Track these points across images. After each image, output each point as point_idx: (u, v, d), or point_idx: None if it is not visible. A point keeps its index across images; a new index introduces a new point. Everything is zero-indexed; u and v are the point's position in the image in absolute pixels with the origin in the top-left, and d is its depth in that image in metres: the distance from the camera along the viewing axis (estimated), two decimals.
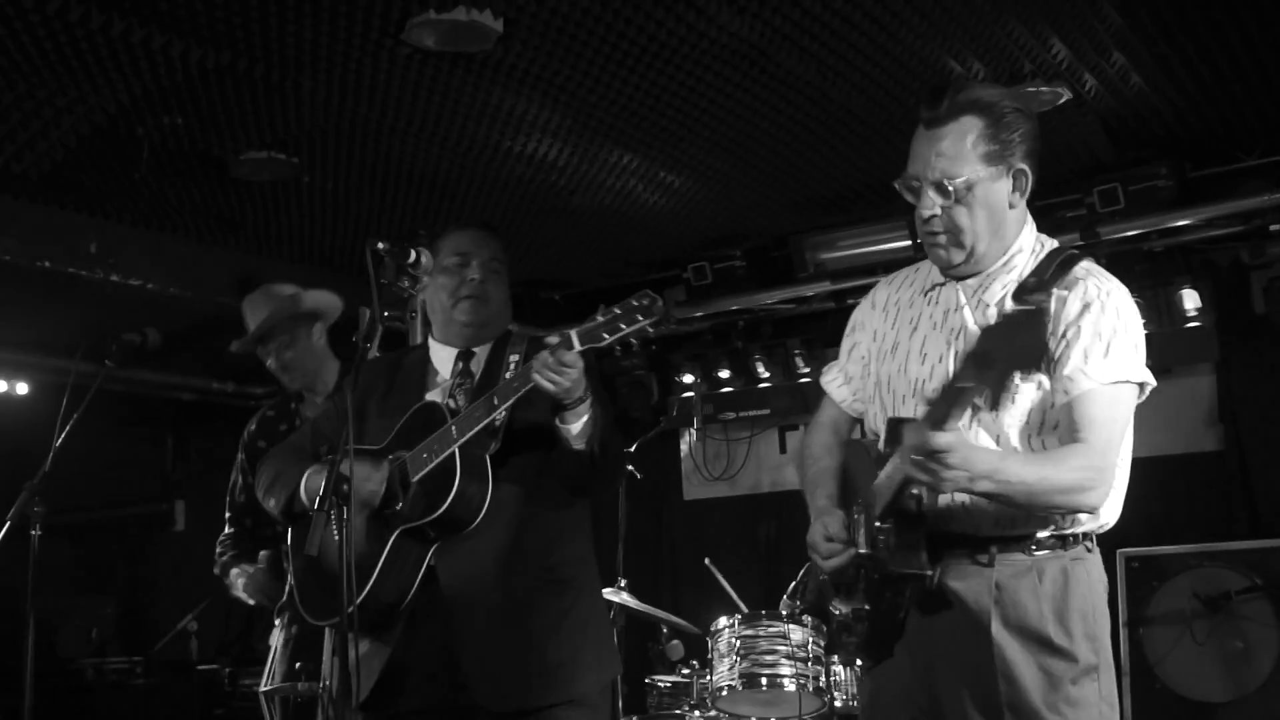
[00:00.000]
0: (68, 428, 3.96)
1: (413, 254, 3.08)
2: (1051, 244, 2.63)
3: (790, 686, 4.67)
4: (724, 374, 7.33)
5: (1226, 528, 5.99)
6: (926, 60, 4.64)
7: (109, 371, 4.12)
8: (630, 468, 5.53)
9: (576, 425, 2.85)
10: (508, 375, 2.97)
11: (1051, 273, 2.49)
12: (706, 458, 7.67)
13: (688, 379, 7.40)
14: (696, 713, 4.98)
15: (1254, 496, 6.04)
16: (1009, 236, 2.58)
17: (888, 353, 2.73)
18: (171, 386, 8.43)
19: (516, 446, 3.01)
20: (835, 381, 2.90)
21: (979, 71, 4.74)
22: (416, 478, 2.96)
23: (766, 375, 7.20)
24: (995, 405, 2.25)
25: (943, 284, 2.66)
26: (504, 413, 2.92)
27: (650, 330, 2.75)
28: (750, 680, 4.72)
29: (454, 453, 2.89)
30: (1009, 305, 2.46)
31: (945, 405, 2.18)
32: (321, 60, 4.41)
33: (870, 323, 2.82)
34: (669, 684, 5.33)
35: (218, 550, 4.41)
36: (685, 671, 5.23)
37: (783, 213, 6.36)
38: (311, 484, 3.10)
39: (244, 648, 7.53)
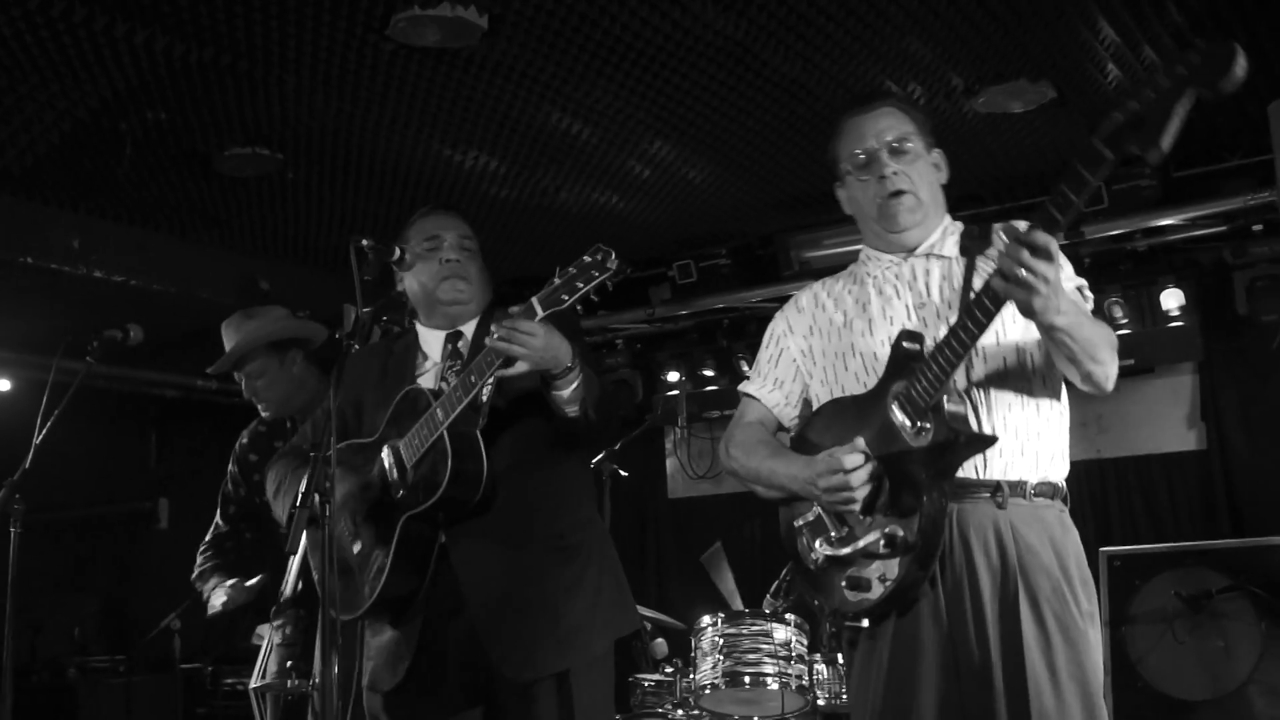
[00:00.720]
0: (48, 424, 3.94)
1: (396, 251, 3.10)
2: (960, 224, 2.78)
3: (773, 685, 4.66)
4: (709, 372, 7.32)
5: (1209, 527, 6.00)
6: (911, 60, 4.64)
7: (90, 368, 4.09)
8: (614, 466, 5.52)
9: (566, 391, 2.87)
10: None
11: (979, 231, 2.66)
12: (691, 456, 7.66)
13: (672, 377, 7.40)
14: (680, 711, 4.96)
15: (1236, 495, 6.06)
16: (942, 209, 2.77)
17: (840, 328, 2.78)
18: (155, 384, 8.37)
19: (509, 419, 3.04)
20: (765, 388, 2.89)
21: (965, 70, 4.74)
22: (411, 463, 2.98)
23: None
24: None
25: (887, 268, 2.75)
26: (488, 388, 2.94)
27: (609, 284, 2.77)
28: (733, 679, 4.69)
29: (443, 434, 2.91)
30: (961, 259, 2.64)
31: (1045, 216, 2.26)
32: (306, 56, 4.39)
33: (799, 324, 2.87)
34: (653, 682, 5.31)
35: (199, 556, 4.38)
36: (669, 670, 5.21)
37: (768, 212, 6.35)
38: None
39: (227, 647, 7.49)
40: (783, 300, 3.03)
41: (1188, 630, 5.27)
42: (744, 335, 7.15)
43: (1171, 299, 6.04)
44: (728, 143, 5.38)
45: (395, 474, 3.02)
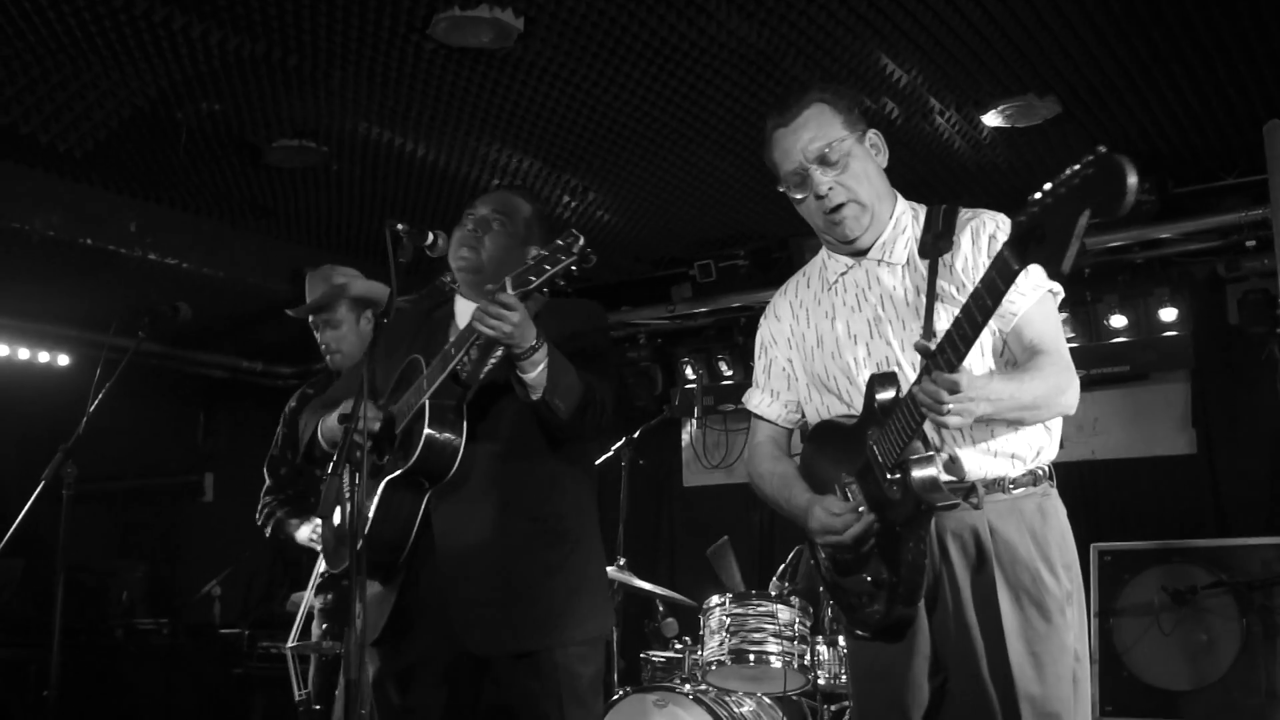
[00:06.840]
0: (100, 395, 3.94)
1: (430, 236, 3.02)
2: (922, 208, 2.66)
3: (777, 663, 4.62)
4: (725, 367, 7.28)
5: (1195, 526, 5.94)
6: (924, 74, 4.59)
7: (141, 343, 4.09)
8: (634, 454, 5.48)
9: (531, 374, 2.78)
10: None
11: (943, 223, 2.55)
12: (706, 447, 7.62)
13: (690, 371, 7.37)
14: (688, 686, 4.93)
15: (1221, 497, 5.99)
16: (890, 197, 2.65)
17: (813, 348, 2.73)
18: (203, 364, 8.40)
19: (498, 400, 2.95)
20: (763, 403, 2.85)
21: (974, 86, 4.69)
22: (399, 429, 2.93)
23: None
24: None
25: (845, 272, 2.68)
26: (465, 362, 2.88)
27: (574, 269, 2.71)
28: (739, 656, 4.66)
29: (424, 404, 2.86)
30: (918, 262, 2.55)
31: (947, 353, 2.20)
32: (351, 53, 4.38)
33: (780, 334, 2.83)
34: (663, 659, 5.28)
35: (263, 504, 4.40)
36: (678, 647, 5.18)
37: (785, 215, 6.26)
38: (326, 428, 3.07)
39: (264, 612, 7.51)
40: None
41: (1173, 623, 5.22)
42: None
43: (1167, 309, 5.98)
44: (748, 147, 5.34)
45: (386, 438, 2.95)
